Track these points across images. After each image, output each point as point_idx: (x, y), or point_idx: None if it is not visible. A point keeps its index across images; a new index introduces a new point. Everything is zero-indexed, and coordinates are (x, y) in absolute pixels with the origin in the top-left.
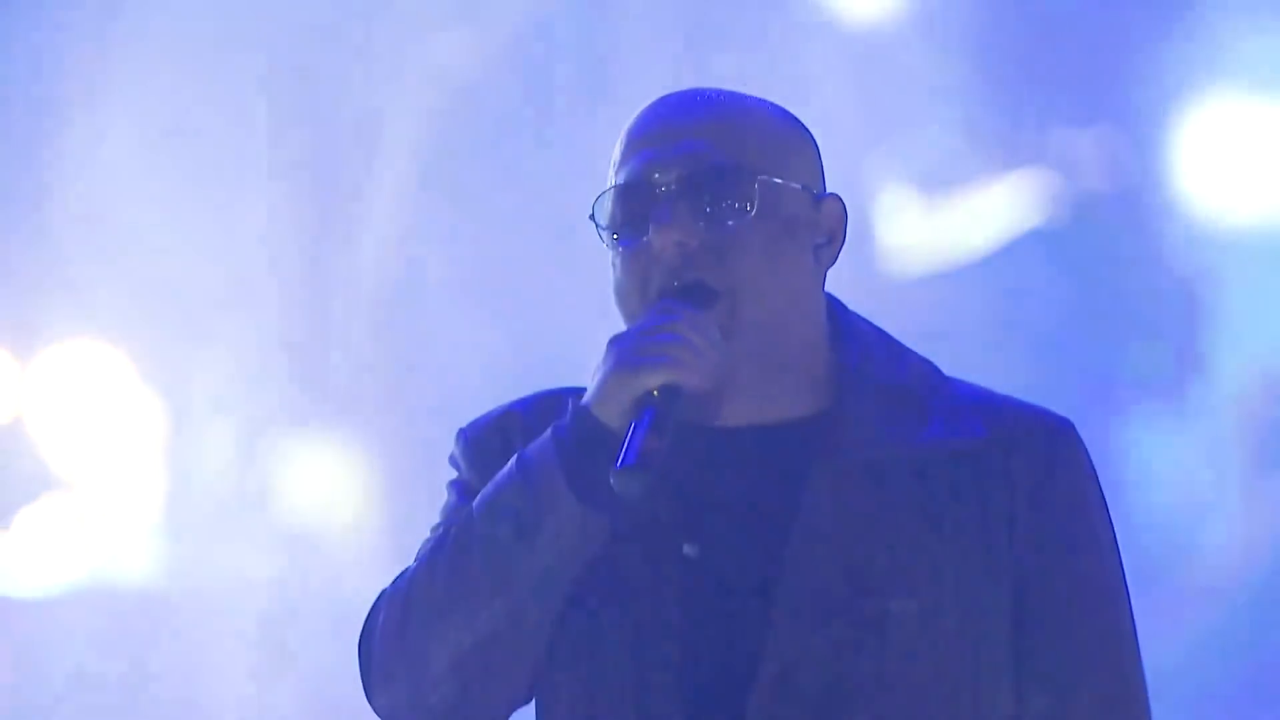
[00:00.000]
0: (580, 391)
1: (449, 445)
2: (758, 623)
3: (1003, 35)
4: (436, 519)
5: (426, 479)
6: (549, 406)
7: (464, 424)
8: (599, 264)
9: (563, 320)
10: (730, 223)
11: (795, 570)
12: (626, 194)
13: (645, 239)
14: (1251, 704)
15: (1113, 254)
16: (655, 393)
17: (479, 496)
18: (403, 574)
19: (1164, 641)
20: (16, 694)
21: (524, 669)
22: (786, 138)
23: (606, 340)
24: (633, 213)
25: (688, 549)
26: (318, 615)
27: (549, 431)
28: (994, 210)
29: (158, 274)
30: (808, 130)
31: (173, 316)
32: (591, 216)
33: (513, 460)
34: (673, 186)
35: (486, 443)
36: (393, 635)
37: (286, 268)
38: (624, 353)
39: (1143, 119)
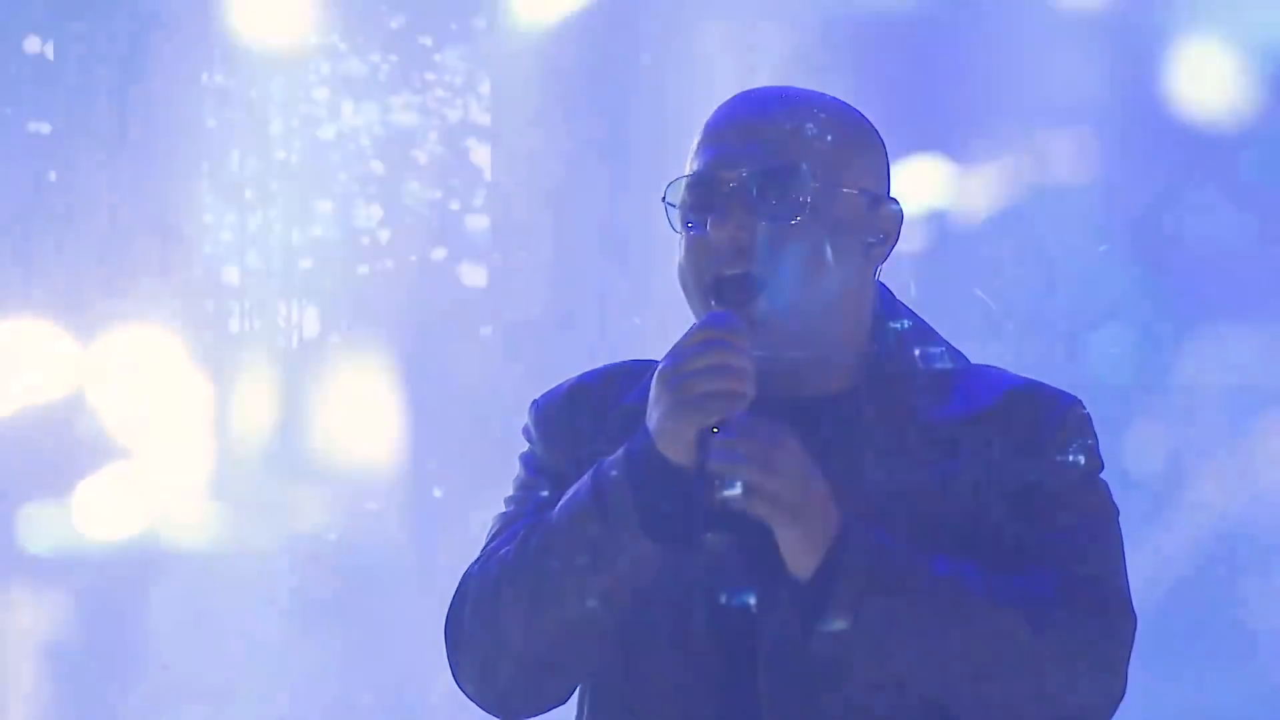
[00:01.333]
0: (644, 365)
1: (488, 412)
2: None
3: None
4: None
5: (470, 447)
6: (618, 379)
7: (537, 396)
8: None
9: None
10: (783, 222)
11: None
12: (695, 185)
13: (706, 228)
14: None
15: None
16: (714, 429)
17: (560, 505)
18: (484, 558)
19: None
20: (83, 649)
21: (593, 654)
22: (851, 142)
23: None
24: (699, 202)
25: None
26: (362, 574)
27: (624, 461)
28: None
29: (206, 267)
30: (877, 134)
31: (219, 303)
32: (664, 198)
33: (589, 481)
34: (734, 184)
35: (558, 416)
36: (481, 621)
37: (327, 256)
38: (677, 391)
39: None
